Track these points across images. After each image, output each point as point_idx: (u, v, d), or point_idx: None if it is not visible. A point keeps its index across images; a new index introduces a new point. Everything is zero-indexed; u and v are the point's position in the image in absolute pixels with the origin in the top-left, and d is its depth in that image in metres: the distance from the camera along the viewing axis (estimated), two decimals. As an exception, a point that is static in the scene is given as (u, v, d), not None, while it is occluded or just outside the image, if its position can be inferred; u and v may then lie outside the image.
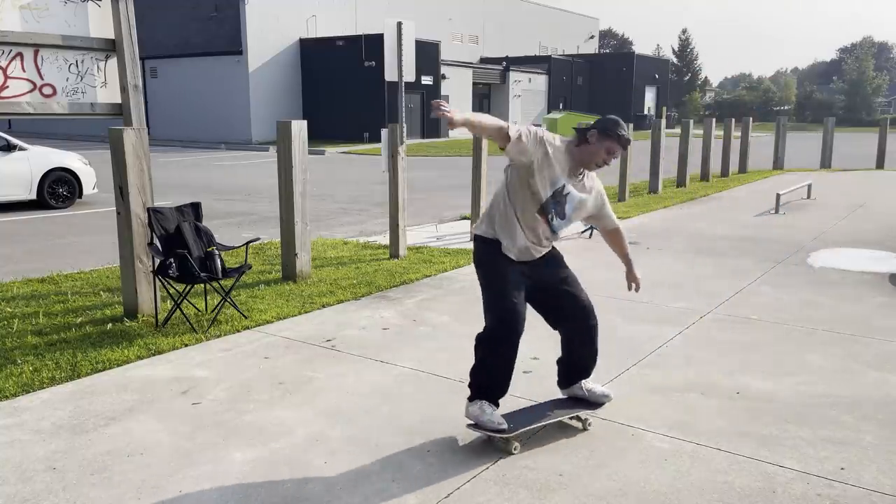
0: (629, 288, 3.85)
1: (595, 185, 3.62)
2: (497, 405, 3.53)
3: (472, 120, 3.32)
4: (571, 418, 3.74)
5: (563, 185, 3.42)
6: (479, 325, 5.72)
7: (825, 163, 20.28)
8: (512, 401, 4.05)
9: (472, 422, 3.53)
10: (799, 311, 5.89)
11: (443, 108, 3.15)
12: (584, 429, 3.69)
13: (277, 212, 6.79)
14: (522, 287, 3.50)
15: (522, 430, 3.49)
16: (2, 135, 12.10)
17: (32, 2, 5.08)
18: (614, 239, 3.89)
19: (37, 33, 5.11)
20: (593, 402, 3.76)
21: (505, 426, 3.45)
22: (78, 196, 12.63)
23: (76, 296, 6.29)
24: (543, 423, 3.64)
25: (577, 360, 3.78)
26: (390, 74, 9.36)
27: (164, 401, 4.08)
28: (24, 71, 5.11)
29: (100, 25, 5.39)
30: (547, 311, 3.69)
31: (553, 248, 3.69)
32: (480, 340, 3.54)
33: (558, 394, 4.18)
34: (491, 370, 3.51)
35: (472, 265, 7.46)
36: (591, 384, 3.83)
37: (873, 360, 4.75)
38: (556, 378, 3.88)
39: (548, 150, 3.37)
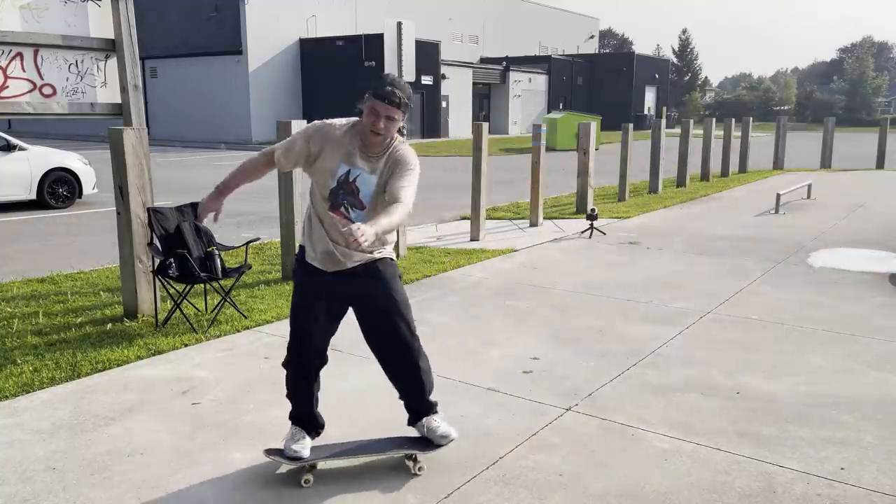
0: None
1: (394, 158, 3.04)
2: (314, 433, 3.31)
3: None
4: (407, 458, 3.33)
5: (349, 171, 3.01)
6: (480, 325, 5.73)
7: (825, 163, 20.27)
8: (510, 400, 4.05)
9: (278, 447, 3.29)
10: (799, 311, 5.89)
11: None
12: (415, 473, 3.25)
13: (277, 212, 6.79)
14: (322, 307, 3.19)
15: (320, 460, 3.23)
16: (2, 135, 12.10)
17: (32, 2, 5.07)
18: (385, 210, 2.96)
19: (37, 33, 5.11)
20: (433, 443, 3.32)
21: (300, 455, 3.17)
22: (78, 196, 12.63)
23: (76, 296, 6.29)
24: (355, 458, 3.34)
25: (403, 397, 3.41)
26: (390, 74, 9.35)
27: (164, 401, 4.08)
28: (23, 71, 5.11)
29: (100, 25, 5.39)
30: (365, 335, 3.32)
31: (387, 262, 3.19)
32: (283, 365, 3.32)
33: (557, 393, 4.19)
34: (291, 396, 3.32)
35: (472, 265, 7.50)
36: (436, 421, 3.35)
37: (873, 360, 4.75)
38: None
39: (323, 140, 3.05)
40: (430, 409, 3.39)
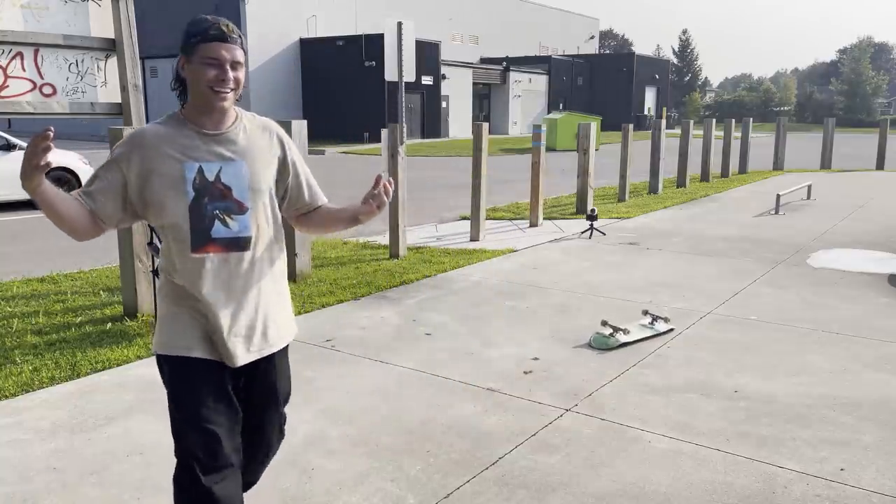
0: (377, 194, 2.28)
1: (260, 128, 2.34)
2: None
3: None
4: None
5: (199, 168, 2.16)
6: (480, 325, 5.73)
7: (825, 164, 20.27)
8: (510, 401, 4.05)
9: None
10: (799, 311, 5.89)
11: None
12: None
13: (277, 212, 6.79)
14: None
15: None
16: (2, 134, 12.10)
17: (32, 1, 5.07)
18: (325, 217, 2.49)
19: (37, 32, 5.11)
20: None
21: None
22: (78, 196, 12.61)
23: (76, 295, 6.29)
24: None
25: None
26: (390, 74, 9.37)
27: (164, 400, 4.06)
28: (24, 70, 5.10)
29: (100, 25, 5.39)
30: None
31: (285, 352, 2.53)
32: None
33: (557, 393, 4.19)
34: None
35: (472, 266, 7.35)
36: None
37: (873, 360, 4.75)
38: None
39: (136, 150, 2.17)
40: None
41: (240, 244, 2.21)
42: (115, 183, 2.17)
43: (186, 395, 2.22)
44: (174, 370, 2.24)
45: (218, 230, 2.18)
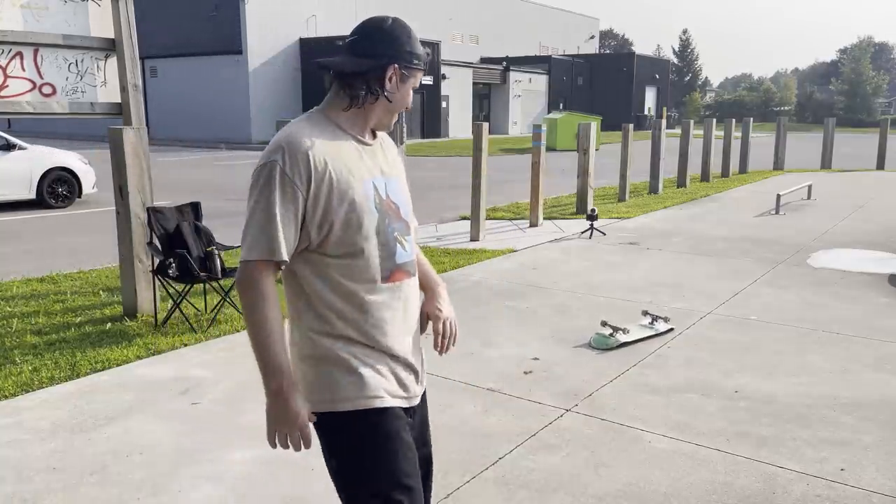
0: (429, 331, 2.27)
1: (388, 140, 2.05)
2: None
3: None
4: None
5: (373, 184, 1.88)
6: (480, 325, 5.71)
7: (825, 163, 20.27)
8: (511, 401, 4.05)
9: None
10: (799, 311, 5.88)
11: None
12: None
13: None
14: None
15: None
16: (1, 134, 12.11)
17: (32, 1, 5.07)
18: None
19: (36, 32, 5.11)
20: None
21: None
22: (77, 195, 12.63)
23: (75, 295, 6.29)
24: None
25: None
26: (390, 74, 9.34)
27: (164, 401, 4.08)
28: (23, 70, 5.10)
29: (100, 25, 5.39)
30: None
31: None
32: None
33: (557, 393, 4.18)
34: None
35: (472, 266, 7.30)
36: None
37: (873, 360, 4.75)
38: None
39: (313, 169, 1.77)
40: None
41: (412, 268, 1.99)
42: (297, 211, 1.79)
43: (387, 452, 1.90)
44: (370, 426, 1.89)
45: (400, 254, 1.92)
